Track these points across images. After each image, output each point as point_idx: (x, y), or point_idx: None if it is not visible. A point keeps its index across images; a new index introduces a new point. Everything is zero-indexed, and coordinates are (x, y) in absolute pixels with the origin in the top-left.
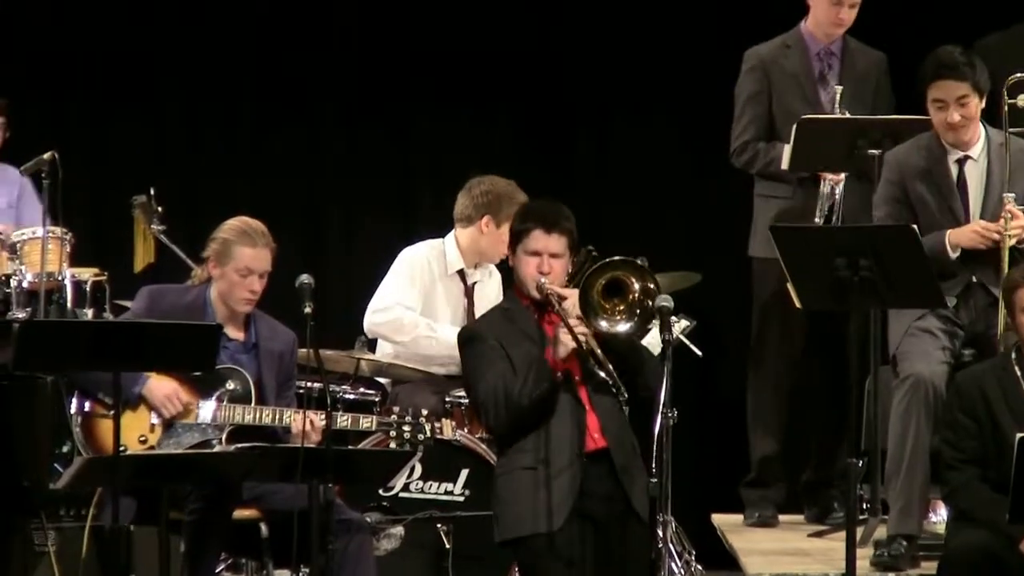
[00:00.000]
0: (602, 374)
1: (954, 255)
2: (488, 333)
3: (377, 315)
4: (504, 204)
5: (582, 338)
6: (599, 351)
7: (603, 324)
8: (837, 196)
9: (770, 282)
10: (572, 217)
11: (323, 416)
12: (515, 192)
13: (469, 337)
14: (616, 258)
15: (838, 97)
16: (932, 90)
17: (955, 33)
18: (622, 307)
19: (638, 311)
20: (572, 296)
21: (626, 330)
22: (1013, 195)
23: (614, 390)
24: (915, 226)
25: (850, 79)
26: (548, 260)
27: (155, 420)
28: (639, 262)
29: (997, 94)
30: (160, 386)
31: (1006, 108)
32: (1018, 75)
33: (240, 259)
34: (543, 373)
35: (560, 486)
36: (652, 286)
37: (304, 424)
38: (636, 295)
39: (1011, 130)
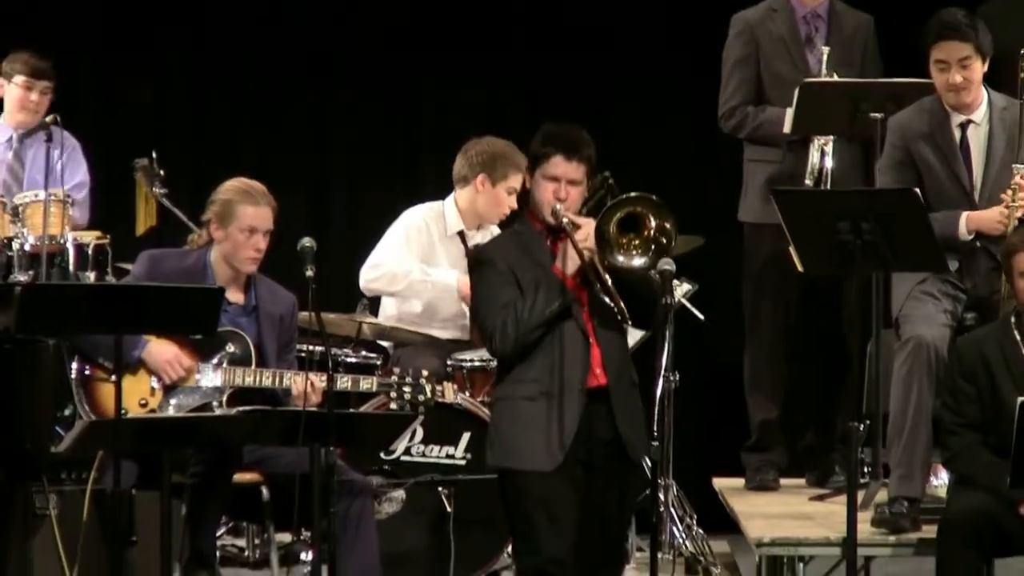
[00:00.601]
0: (606, 299)
1: (968, 237)
2: (499, 257)
3: (369, 272)
4: (499, 163)
5: (587, 254)
6: (603, 270)
7: (619, 259)
8: (828, 159)
9: (761, 247)
10: (592, 144)
11: (324, 378)
12: (511, 152)
13: (480, 260)
14: (633, 194)
15: (825, 59)
16: (935, 51)
17: None
18: (637, 242)
19: (653, 246)
20: (587, 225)
21: (641, 264)
22: (1023, 166)
23: (616, 313)
24: (918, 190)
25: (837, 42)
26: (566, 186)
27: (155, 384)
28: (655, 198)
29: (999, 60)
30: (161, 350)
31: (1022, 75)
32: None
33: (243, 218)
34: (553, 289)
35: (561, 423)
36: (668, 224)
37: (305, 386)
38: (652, 231)
39: None
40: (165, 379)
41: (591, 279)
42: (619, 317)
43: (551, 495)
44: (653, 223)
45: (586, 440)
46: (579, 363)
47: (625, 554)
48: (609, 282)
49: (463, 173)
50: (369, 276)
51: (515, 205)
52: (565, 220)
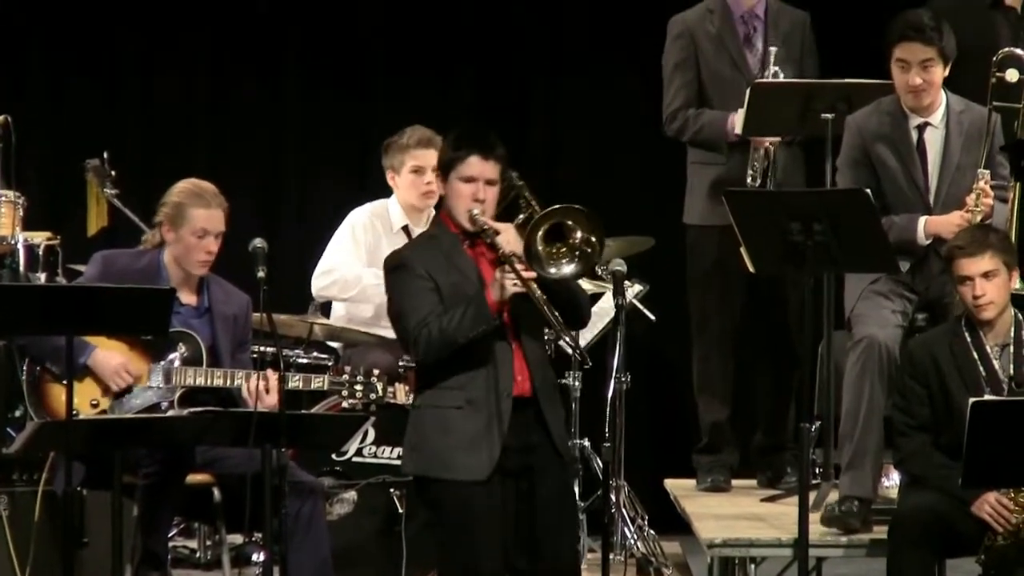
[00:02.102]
0: (563, 340)
1: (926, 242)
2: (416, 262)
3: (320, 279)
4: (395, 149)
5: (533, 285)
6: (539, 293)
7: (551, 271)
8: (772, 160)
9: (706, 249)
10: (502, 144)
11: (276, 376)
12: (400, 136)
13: (396, 264)
14: (557, 206)
15: (772, 59)
16: (897, 50)
17: None
18: (564, 250)
19: (578, 253)
20: (507, 231)
21: (571, 272)
22: (988, 171)
23: (572, 351)
24: (869, 190)
25: (776, 40)
26: (483, 187)
27: (102, 391)
28: (578, 207)
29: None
30: (107, 359)
31: (993, 80)
32: (1008, 48)
33: (195, 221)
34: (482, 314)
35: (483, 433)
36: (592, 231)
37: (257, 385)
38: (576, 239)
39: (997, 104)
40: (113, 388)
41: (538, 307)
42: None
43: (482, 505)
44: (578, 232)
45: (516, 448)
46: (505, 370)
47: (577, 555)
48: (551, 309)
49: (385, 173)
50: (321, 283)
51: (431, 179)
52: (485, 226)
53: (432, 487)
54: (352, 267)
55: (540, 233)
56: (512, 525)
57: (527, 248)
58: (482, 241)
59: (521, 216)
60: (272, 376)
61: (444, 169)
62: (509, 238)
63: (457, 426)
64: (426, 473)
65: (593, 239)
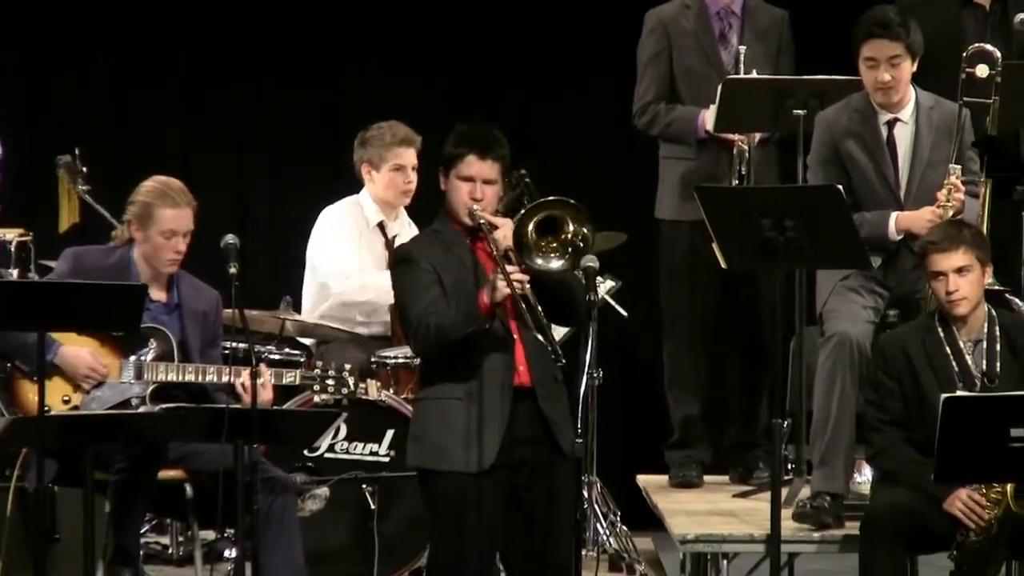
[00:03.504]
0: (540, 337)
1: (898, 238)
2: (422, 256)
3: (340, 281)
4: (375, 145)
5: (517, 285)
6: (532, 298)
7: (538, 261)
8: (747, 159)
9: (678, 244)
10: (506, 142)
11: (269, 374)
12: (382, 131)
13: (403, 258)
14: (551, 197)
15: (743, 57)
16: (865, 48)
17: None
18: (555, 244)
19: (570, 249)
20: (504, 226)
21: (559, 267)
22: (959, 167)
23: (548, 349)
24: (841, 187)
25: (752, 38)
26: (481, 186)
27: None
28: (572, 202)
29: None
30: (76, 357)
31: (963, 76)
32: (977, 44)
33: (163, 221)
34: (473, 315)
35: (485, 424)
36: (586, 227)
37: (253, 382)
38: (569, 234)
39: (967, 99)
40: (85, 386)
41: (519, 309)
42: (553, 355)
43: (479, 497)
44: (571, 226)
45: (515, 440)
46: (504, 362)
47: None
48: (540, 315)
49: (357, 167)
50: (341, 287)
51: (411, 178)
52: (482, 221)
53: (430, 479)
54: (370, 274)
55: (532, 225)
56: (509, 518)
57: (517, 238)
58: (482, 237)
59: (522, 211)
60: (266, 371)
61: (445, 165)
62: (506, 233)
63: (457, 418)
64: (425, 465)
65: (585, 234)
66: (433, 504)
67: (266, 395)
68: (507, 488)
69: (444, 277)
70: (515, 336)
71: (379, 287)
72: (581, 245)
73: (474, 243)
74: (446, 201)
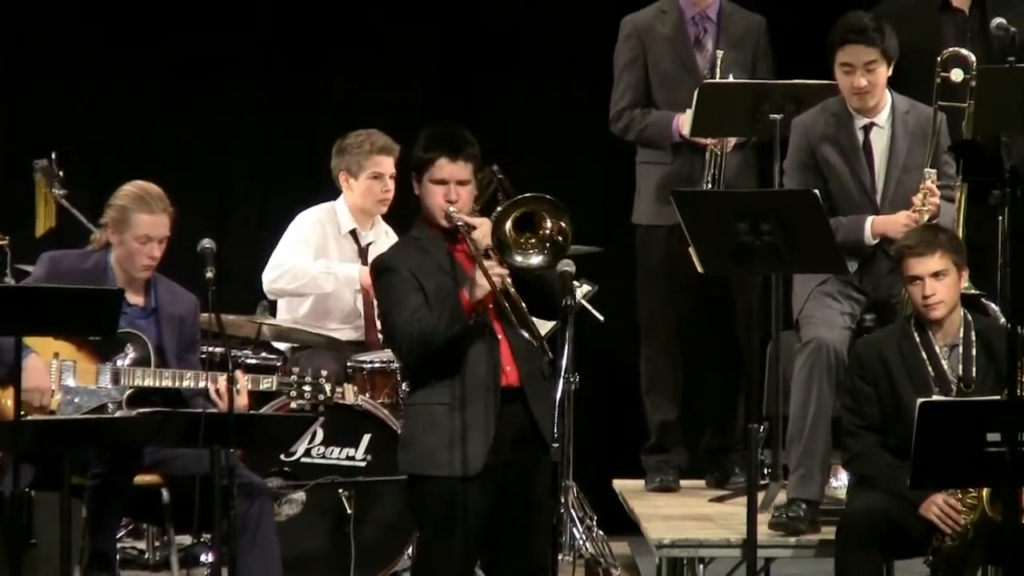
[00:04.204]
0: (525, 334)
1: (874, 242)
2: (401, 264)
3: (271, 273)
4: (353, 153)
5: (497, 280)
6: (514, 293)
7: (517, 259)
8: (720, 163)
9: (655, 248)
10: (475, 141)
11: (246, 378)
12: (360, 140)
13: (382, 267)
14: (528, 194)
15: (719, 63)
16: (840, 54)
17: None
18: (533, 240)
19: (549, 245)
20: (482, 225)
21: (539, 263)
22: (935, 171)
23: (533, 342)
24: (817, 191)
25: (728, 44)
26: (455, 188)
27: (54, 385)
28: (549, 197)
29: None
30: (33, 374)
31: (938, 80)
32: (952, 48)
33: (138, 226)
34: (456, 314)
35: (473, 428)
36: (564, 223)
37: (230, 387)
38: (548, 230)
39: (943, 103)
40: (33, 402)
41: (500, 304)
42: (540, 350)
43: (466, 501)
44: (549, 222)
45: (502, 442)
46: (490, 364)
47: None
48: (522, 309)
49: (335, 174)
50: (271, 276)
51: (389, 187)
52: (460, 223)
53: (419, 484)
54: (302, 260)
55: (509, 222)
56: (494, 520)
57: (496, 236)
58: (460, 238)
59: (498, 209)
60: (242, 377)
61: (416, 170)
62: (485, 232)
63: (445, 422)
64: (414, 470)
65: (563, 227)
66: (420, 508)
67: (241, 401)
68: (495, 489)
69: (424, 283)
70: (500, 337)
71: (317, 271)
72: (560, 240)
73: (453, 245)
74: (422, 206)
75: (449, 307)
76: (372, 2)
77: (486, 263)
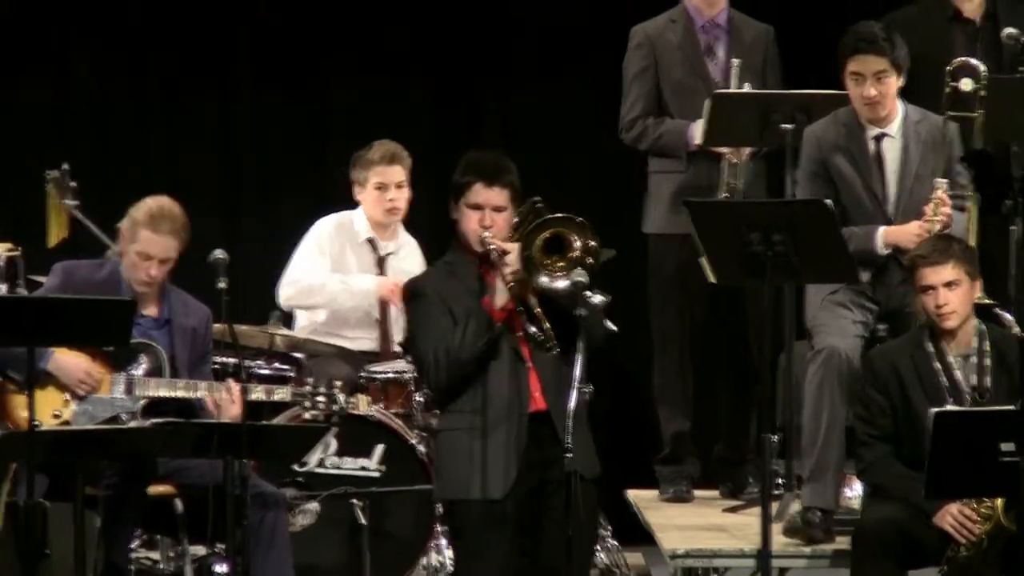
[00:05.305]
0: (532, 328)
1: (885, 252)
2: (430, 288)
3: (287, 288)
4: (360, 164)
5: (512, 281)
6: (533, 300)
7: (543, 280)
8: (739, 172)
9: (667, 258)
10: (514, 169)
11: (239, 387)
12: (365, 151)
13: (412, 292)
14: (557, 215)
15: (735, 71)
16: (851, 64)
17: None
18: (562, 263)
19: (578, 267)
20: (514, 250)
21: (565, 286)
22: (946, 181)
23: (544, 341)
24: (830, 201)
25: (738, 52)
26: (490, 214)
27: (67, 395)
28: (579, 219)
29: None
30: (69, 364)
31: (948, 90)
32: (961, 58)
33: (140, 242)
34: (481, 323)
35: (501, 451)
36: (593, 243)
37: (221, 396)
38: (576, 252)
39: (952, 113)
40: (79, 392)
41: (520, 307)
42: (547, 344)
43: (496, 527)
44: (577, 243)
45: (532, 466)
46: (519, 389)
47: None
48: (536, 309)
49: (353, 185)
50: (287, 292)
51: (395, 196)
52: (492, 247)
53: (452, 509)
54: (317, 274)
55: (538, 242)
56: (525, 543)
57: (523, 255)
58: (492, 263)
59: (526, 231)
60: (235, 387)
61: (453, 195)
62: (516, 256)
63: (475, 448)
64: (447, 496)
65: (592, 247)
66: (456, 533)
67: (234, 410)
68: (525, 511)
69: (453, 307)
70: (528, 363)
71: (333, 286)
72: (589, 262)
73: (486, 270)
74: (458, 230)
75: (475, 319)
76: (377, 4)
77: (505, 269)
